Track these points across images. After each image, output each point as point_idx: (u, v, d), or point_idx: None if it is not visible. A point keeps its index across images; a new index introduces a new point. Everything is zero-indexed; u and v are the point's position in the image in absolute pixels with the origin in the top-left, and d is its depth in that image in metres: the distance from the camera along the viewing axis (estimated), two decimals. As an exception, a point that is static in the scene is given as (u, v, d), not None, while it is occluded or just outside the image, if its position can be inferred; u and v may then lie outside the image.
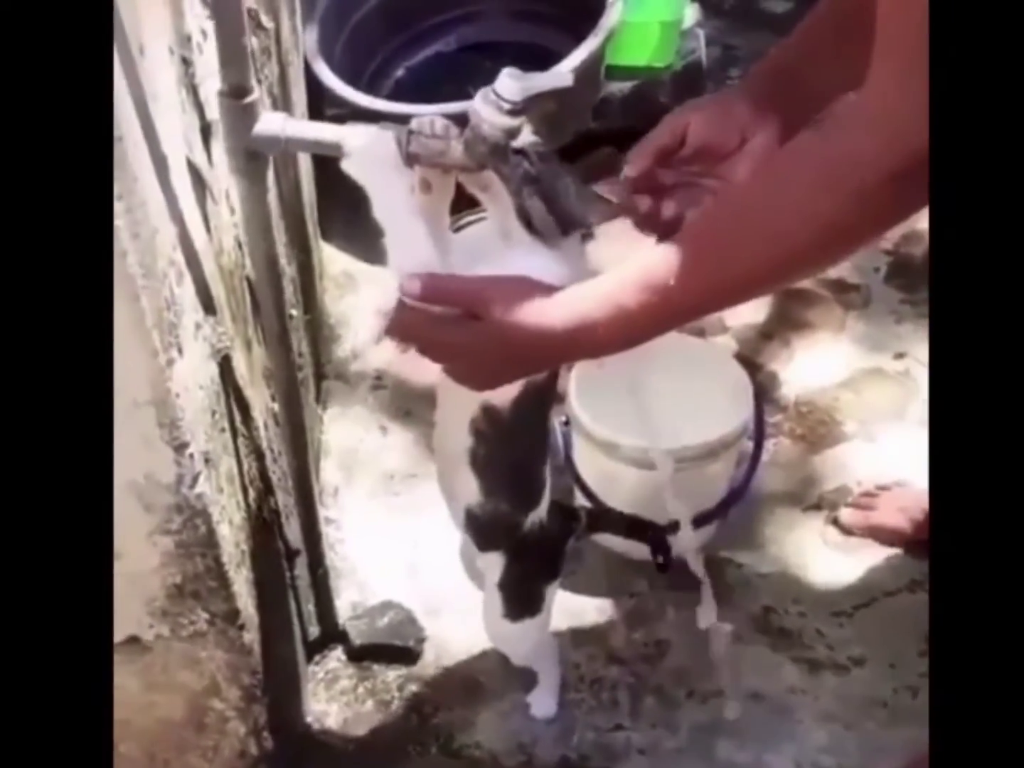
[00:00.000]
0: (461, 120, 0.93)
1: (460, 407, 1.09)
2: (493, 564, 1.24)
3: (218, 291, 1.06)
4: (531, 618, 1.31)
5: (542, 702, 1.50)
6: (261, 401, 1.21)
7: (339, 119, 1.57)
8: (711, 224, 0.89)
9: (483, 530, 1.20)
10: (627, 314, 0.86)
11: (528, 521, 1.19)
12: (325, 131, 1.00)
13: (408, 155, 0.93)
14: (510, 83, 0.87)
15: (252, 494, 1.15)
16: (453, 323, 0.92)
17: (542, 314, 0.88)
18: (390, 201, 0.95)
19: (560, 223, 0.95)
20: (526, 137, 0.95)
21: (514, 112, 0.88)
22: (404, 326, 0.96)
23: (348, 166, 0.96)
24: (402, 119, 0.98)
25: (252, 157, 1.01)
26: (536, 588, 1.29)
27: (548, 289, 0.90)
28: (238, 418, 1.10)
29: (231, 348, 1.06)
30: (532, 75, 0.89)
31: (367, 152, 0.94)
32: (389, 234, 0.95)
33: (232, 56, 0.94)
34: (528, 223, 0.95)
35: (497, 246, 0.97)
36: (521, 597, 1.28)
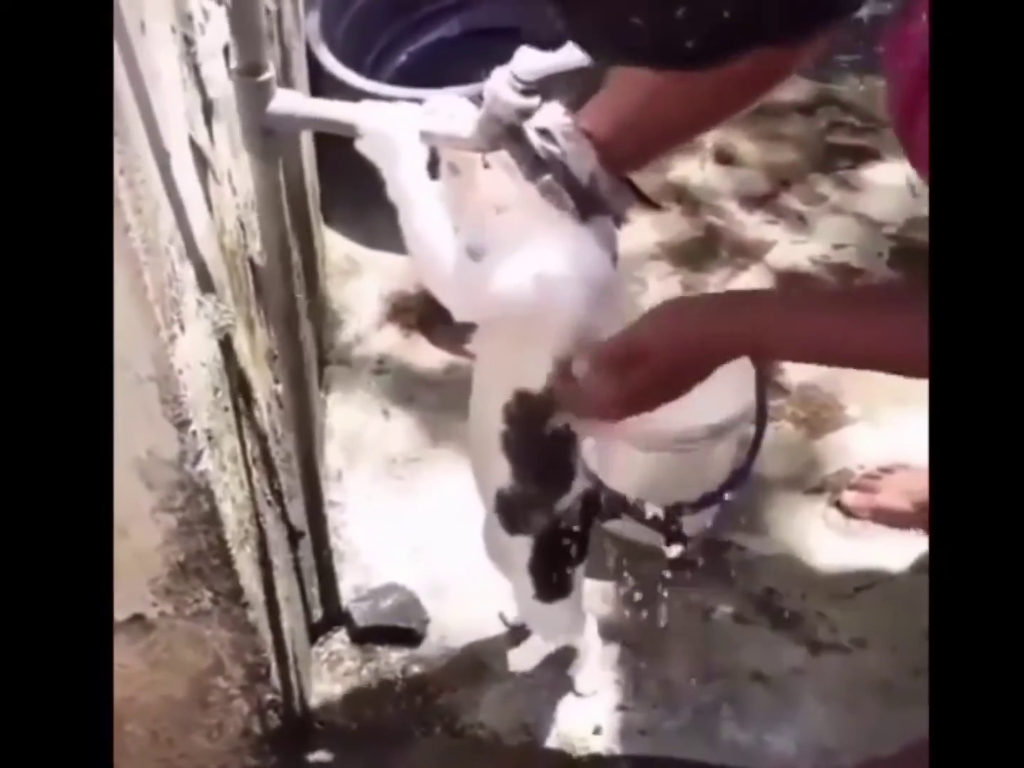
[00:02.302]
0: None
1: (495, 392, 1.09)
2: (522, 547, 1.24)
3: (219, 270, 1.06)
4: (563, 598, 1.31)
5: (585, 678, 1.50)
6: (263, 382, 1.22)
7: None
8: None
9: (513, 513, 1.20)
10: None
11: (558, 506, 1.19)
12: (339, 110, 1.00)
13: (420, 134, 0.94)
14: (526, 62, 0.87)
15: (255, 474, 1.16)
16: (619, 374, 0.95)
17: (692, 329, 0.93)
18: (404, 182, 0.95)
19: (581, 206, 0.95)
20: (555, 116, 0.94)
21: (529, 92, 0.88)
22: (579, 397, 0.99)
23: (362, 146, 0.96)
24: (407, 103, 0.98)
25: (265, 135, 1.01)
26: (564, 570, 1.29)
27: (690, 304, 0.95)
28: (240, 398, 1.10)
29: (233, 327, 1.07)
30: (548, 54, 0.88)
31: (381, 132, 0.95)
32: (403, 215, 0.96)
33: (247, 34, 0.95)
34: (554, 201, 0.94)
35: (531, 224, 0.96)
36: (551, 579, 1.28)
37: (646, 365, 0.94)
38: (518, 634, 1.53)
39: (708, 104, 1.01)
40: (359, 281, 2.10)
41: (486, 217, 1.00)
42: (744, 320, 0.93)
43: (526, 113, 0.91)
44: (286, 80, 1.63)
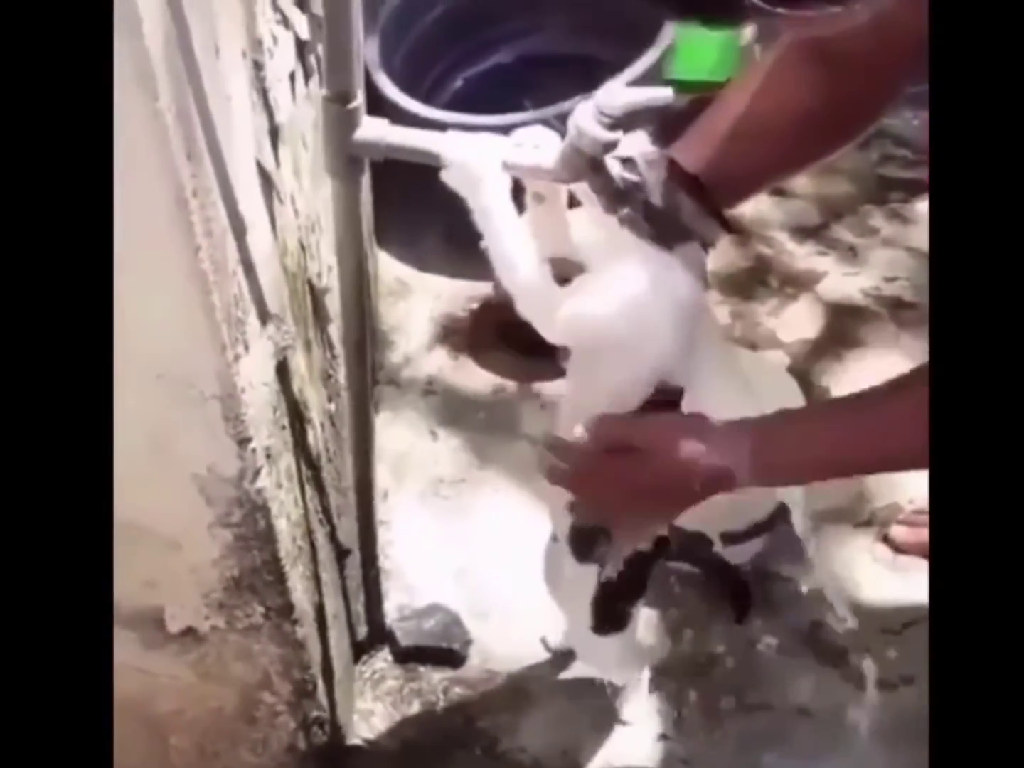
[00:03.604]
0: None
1: (582, 418, 1.07)
2: (588, 577, 1.21)
3: (281, 292, 1.08)
4: (618, 631, 1.30)
5: (632, 707, 1.49)
6: (318, 402, 1.23)
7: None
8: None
9: (589, 543, 1.17)
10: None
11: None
12: (424, 139, 1.01)
13: (504, 164, 0.95)
14: (611, 97, 0.88)
15: (309, 491, 1.17)
16: (630, 462, 0.98)
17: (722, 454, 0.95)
18: (489, 210, 0.96)
19: (664, 234, 0.95)
20: (640, 145, 0.94)
21: (614, 126, 0.89)
22: (576, 469, 1.02)
23: (447, 176, 0.97)
24: (460, 130, 1.00)
25: (351, 161, 1.03)
26: (625, 604, 1.28)
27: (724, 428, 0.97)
28: (296, 417, 1.12)
29: (293, 348, 1.08)
30: (633, 89, 0.89)
31: (465, 163, 0.96)
32: (490, 243, 0.97)
33: (339, 61, 0.96)
34: (637, 231, 0.95)
35: (618, 251, 0.97)
36: (610, 612, 1.27)
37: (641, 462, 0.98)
38: (562, 659, 1.52)
39: (798, 142, 1.02)
40: (409, 303, 2.11)
41: (573, 244, 1.00)
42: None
43: (609, 147, 0.91)
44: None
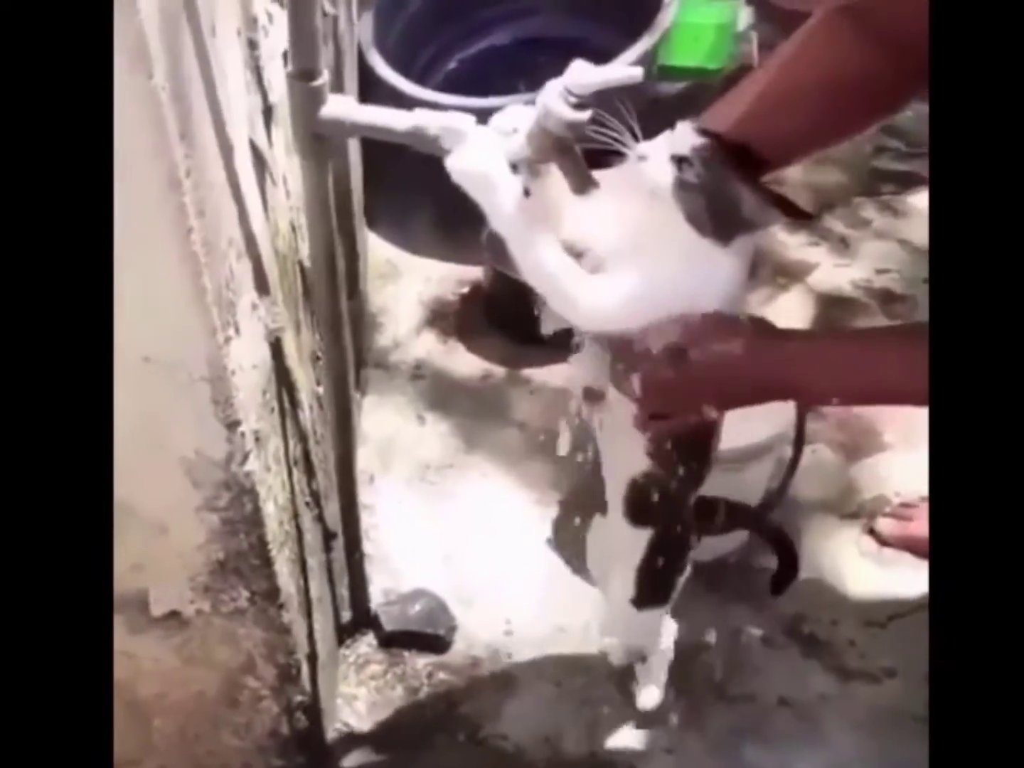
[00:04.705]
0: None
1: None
2: (639, 541, 1.22)
3: (273, 273, 1.07)
4: (658, 607, 1.30)
5: (648, 692, 1.48)
6: (307, 383, 1.22)
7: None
8: None
9: (644, 502, 1.17)
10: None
11: (688, 500, 1.19)
12: (393, 118, 1.00)
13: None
14: (579, 76, 0.87)
15: (296, 474, 1.16)
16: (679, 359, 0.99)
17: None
18: (502, 200, 0.95)
19: (725, 230, 0.96)
20: (689, 139, 0.95)
21: (581, 106, 0.88)
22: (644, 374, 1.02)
23: (458, 178, 0.95)
24: (453, 111, 0.99)
25: (316, 140, 1.01)
26: (670, 577, 1.28)
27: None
28: (286, 399, 1.10)
29: (283, 330, 1.07)
30: (601, 68, 0.88)
31: (479, 168, 0.95)
32: (516, 249, 0.96)
33: (303, 38, 0.95)
34: (698, 227, 0.95)
35: (663, 241, 0.97)
36: (655, 584, 1.27)
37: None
38: (625, 674, 1.51)
39: (834, 110, 1.02)
40: (398, 286, 2.11)
41: (598, 227, 1.00)
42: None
43: (577, 127, 0.90)
44: (337, 84, 1.64)
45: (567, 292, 0.98)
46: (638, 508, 1.19)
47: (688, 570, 1.29)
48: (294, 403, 1.15)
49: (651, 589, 1.27)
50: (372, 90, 1.98)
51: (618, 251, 0.98)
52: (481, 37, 2.25)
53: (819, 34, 1.01)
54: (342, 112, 1.00)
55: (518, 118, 0.93)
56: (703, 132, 0.98)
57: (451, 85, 2.19)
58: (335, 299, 1.15)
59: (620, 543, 1.24)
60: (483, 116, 0.98)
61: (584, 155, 0.94)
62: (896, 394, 1.00)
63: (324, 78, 0.97)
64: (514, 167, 0.95)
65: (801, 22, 1.03)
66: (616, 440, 1.16)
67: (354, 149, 1.79)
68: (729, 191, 0.95)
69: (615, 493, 1.20)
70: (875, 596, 1.63)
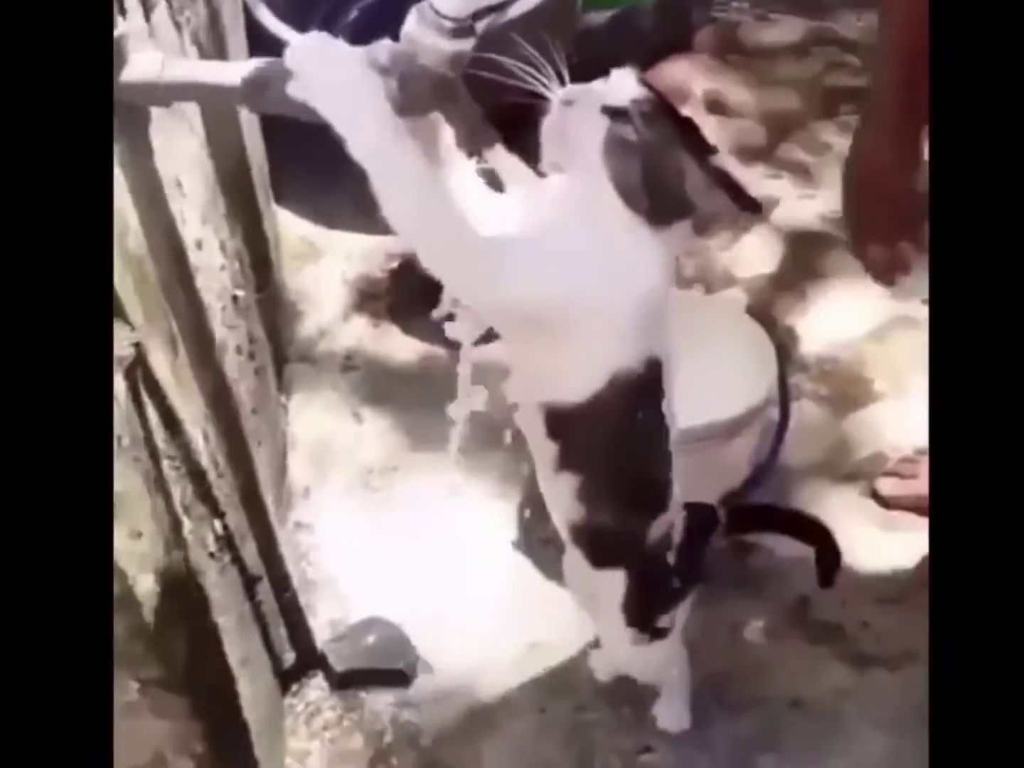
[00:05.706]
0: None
1: (529, 405, 0.96)
2: (613, 582, 1.07)
3: (125, 283, 0.85)
4: (661, 640, 1.15)
5: (672, 713, 1.32)
6: (193, 410, 1.01)
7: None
8: None
9: (596, 544, 1.04)
10: None
11: (653, 529, 1.03)
12: (217, 70, 0.84)
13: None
14: None
15: (188, 525, 0.95)
16: None
17: None
18: (383, 149, 0.80)
19: (662, 206, 0.82)
20: (630, 89, 0.81)
21: (460, 32, 0.69)
22: None
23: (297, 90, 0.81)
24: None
25: (125, 110, 0.81)
26: (666, 604, 1.13)
27: None
28: (160, 438, 0.89)
29: (147, 352, 0.86)
30: None
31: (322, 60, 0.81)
32: (373, 172, 0.82)
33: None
34: (626, 197, 0.82)
35: (581, 213, 0.84)
36: (649, 617, 1.12)
37: None
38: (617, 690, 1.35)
39: None
40: (318, 266, 1.93)
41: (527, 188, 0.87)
42: None
43: (457, 61, 0.74)
44: (217, 42, 1.43)
45: (453, 253, 0.82)
46: (595, 552, 1.05)
47: (691, 595, 1.15)
48: (176, 436, 0.94)
49: (642, 625, 1.12)
50: (263, 49, 1.76)
51: (525, 217, 0.83)
52: (382, -19, 2.05)
53: None
54: (151, 73, 0.81)
55: (317, 50, 0.80)
56: (646, 84, 0.83)
57: (355, 37, 1.98)
58: (193, 302, 0.97)
59: (593, 584, 1.10)
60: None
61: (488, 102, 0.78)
62: None
63: (121, 28, 0.78)
64: None
65: None
66: (542, 473, 1.02)
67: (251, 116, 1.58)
68: (672, 160, 0.81)
69: (564, 536, 1.06)
70: (886, 568, 1.47)
